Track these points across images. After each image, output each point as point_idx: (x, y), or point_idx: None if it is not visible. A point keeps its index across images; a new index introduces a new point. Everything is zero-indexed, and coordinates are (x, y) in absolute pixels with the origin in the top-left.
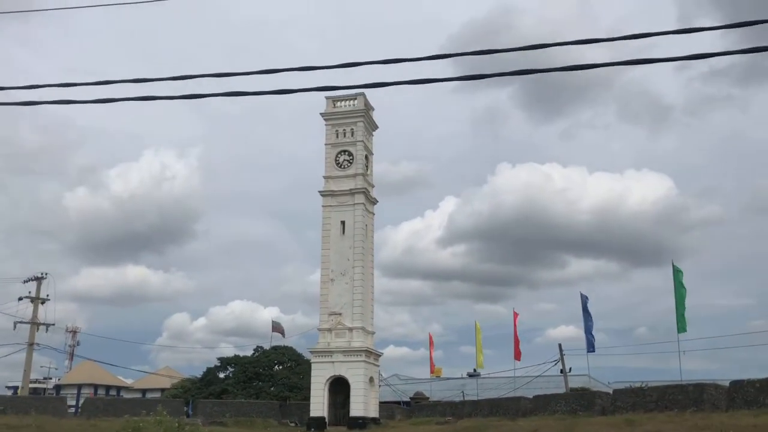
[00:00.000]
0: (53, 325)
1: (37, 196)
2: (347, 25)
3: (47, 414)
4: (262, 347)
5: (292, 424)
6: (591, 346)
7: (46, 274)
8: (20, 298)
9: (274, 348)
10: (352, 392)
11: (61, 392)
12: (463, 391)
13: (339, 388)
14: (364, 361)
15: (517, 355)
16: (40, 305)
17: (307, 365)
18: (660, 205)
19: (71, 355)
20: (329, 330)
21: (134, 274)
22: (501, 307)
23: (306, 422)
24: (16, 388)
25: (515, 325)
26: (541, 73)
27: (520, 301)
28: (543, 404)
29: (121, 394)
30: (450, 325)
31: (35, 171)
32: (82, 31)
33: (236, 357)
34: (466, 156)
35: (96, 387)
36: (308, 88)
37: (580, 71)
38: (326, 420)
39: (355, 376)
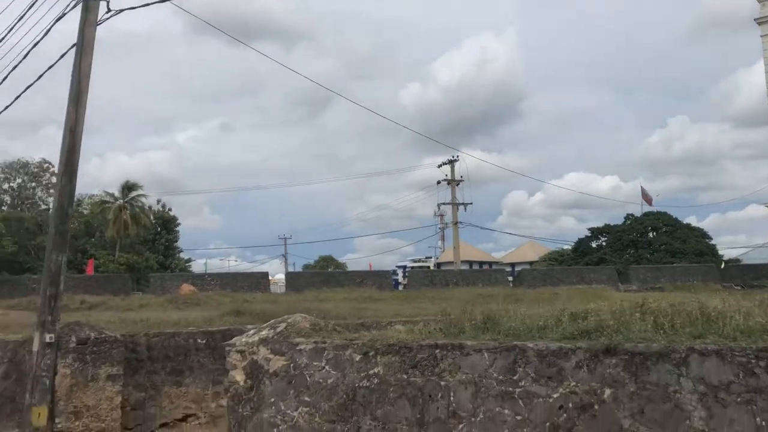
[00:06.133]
0: (471, 204)
1: (376, 97)
2: None
3: (490, 284)
4: (632, 215)
5: (738, 288)
6: None
7: (457, 156)
8: (438, 182)
9: (646, 215)
10: None
11: (441, 268)
12: None
13: None
14: None
15: None
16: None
17: (686, 229)
18: None
19: (442, 236)
20: None
21: (470, 158)
22: None
23: None
24: (404, 267)
25: None
26: None
27: None
28: None
29: (492, 268)
30: None
31: (370, 75)
32: None
33: (607, 226)
34: None
35: (470, 263)
36: None
37: None
38: None
39: None
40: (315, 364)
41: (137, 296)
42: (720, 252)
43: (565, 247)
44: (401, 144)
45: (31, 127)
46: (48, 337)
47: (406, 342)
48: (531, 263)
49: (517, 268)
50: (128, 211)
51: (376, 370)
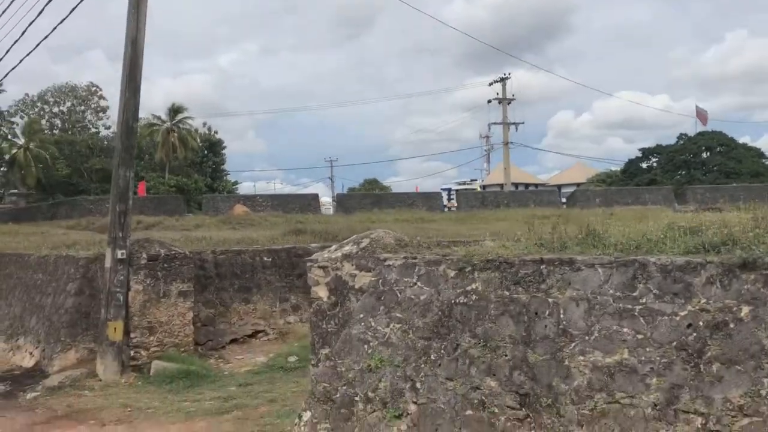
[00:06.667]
0: (523, 123)
1: (419, 15)
2: None
3: (543, 205)
4: (686, 134)
5: None
6: None
7: (509, 74)
8: (489, 101)
9: (700, 134)
10: None
11: (486, 190)
12: None
13: None
14: None
15: None
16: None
17: (742, 149)
18: None
19: (488, 158)
20: None
21: (516, 77)
22: None
23: None
24: (448, 189)
25: None
26: None
27: None
28: None
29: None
30: None
31: None
32: None
33: (659, 146)
34: None
35: (516, 185)
36: None
37: None
38: None
39: None
40: (405, 280)
41: (190, 217)
42: None
43: (614, 168)
44: (445, 64)
45: (76, 50)
46: (120, 254)
47: (507, 257)
48: (578, 185)
49: (564, 190)
50: (176, 134)
51: (473, 286)
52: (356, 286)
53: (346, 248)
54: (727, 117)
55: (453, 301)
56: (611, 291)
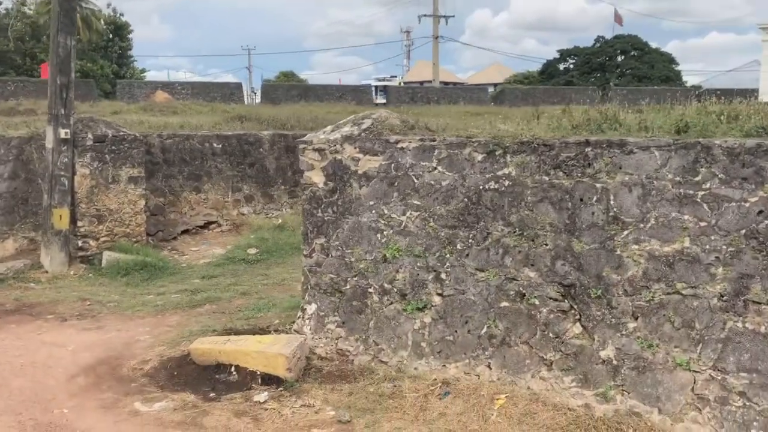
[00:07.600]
0: (453, 17)
1: None
2: None
3: (473, 103)
4: (603, 37)
5: None
6: None
7: None
8: None
9: (617, 37)
10: None
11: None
12: None
13: None
14: None
15: None
16: None
17: (655, 54)
18: None
19: (408, 54)
20: None
21: None
22: None
23: None
24: (368, 86)
25: None
26: None
27: None
28: None
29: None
30: None
31: None
32: None
33: (576, 48)
34: None
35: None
36: None
37: None
38: None
39: None
40: (423, 164)
41: (106, 103)
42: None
43: (531, 69)
44: None
45: None
46: (63, 133)
47: (546, 139)
48: (495, 85)
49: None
50: (78, 14)
51: (506, 171)
52: (360, 171)
53: (346, 129)
54: (637, 22)
55: (482, 188)
56: (669, 176)
